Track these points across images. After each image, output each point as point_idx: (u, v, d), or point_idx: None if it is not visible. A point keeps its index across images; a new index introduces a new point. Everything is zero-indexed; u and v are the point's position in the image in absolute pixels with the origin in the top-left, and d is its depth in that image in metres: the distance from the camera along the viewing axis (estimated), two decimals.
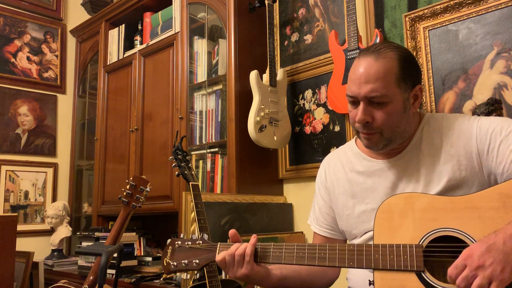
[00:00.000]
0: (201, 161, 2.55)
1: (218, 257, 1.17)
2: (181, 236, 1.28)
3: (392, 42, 1.24)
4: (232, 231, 1.22)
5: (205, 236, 1.25)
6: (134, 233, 2.65)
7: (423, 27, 2.02)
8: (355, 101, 1.19)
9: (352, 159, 1.34)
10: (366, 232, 1.26)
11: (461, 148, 1.15)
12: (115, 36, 3.29)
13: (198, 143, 2.60)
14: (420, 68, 1.25)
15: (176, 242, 1.24)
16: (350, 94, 1.20)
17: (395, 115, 1.16)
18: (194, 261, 1.20)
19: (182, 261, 1.21)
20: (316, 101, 2.42)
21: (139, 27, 3.17)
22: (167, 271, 1.23)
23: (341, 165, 1.36)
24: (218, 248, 1.21)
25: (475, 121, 1.17)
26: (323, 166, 1.44)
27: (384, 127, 1.17)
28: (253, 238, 1.17)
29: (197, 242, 1.23)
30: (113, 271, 2.26)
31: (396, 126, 1.17)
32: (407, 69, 1.17)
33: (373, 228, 1.11)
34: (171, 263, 1.22)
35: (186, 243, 1.23)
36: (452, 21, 1.94)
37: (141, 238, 2.83)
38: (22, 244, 2.88)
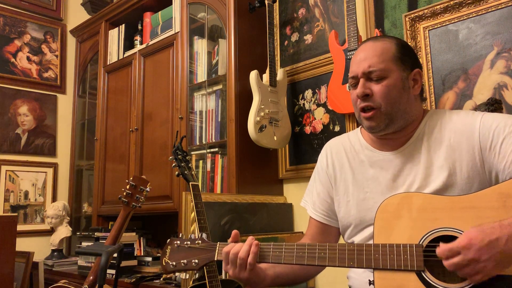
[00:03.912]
0: (201, 161, 2.55)
1: (226, 248, 1.17)
2: (180, 235, 1.27)
3: None
4: (234, 232, 1.22)
5: (204, 235, 1.24)
6: (134, 233, 2.65)
7: (423, 27, 2.02)
8: (356, 83, 1.24)
9: (356, 147, 1.34)
10: (364, 227, 1.25)
11: (464, 144, 1.15)
12: (115, 36, 3.29)
13: (198, 143, 2.60)
14: (418, 59, 1.33)
15: (175, 242, 1.24)
16: (351, 75, 1.25)
17: (394, 90, 1.20)
18: (193, 261, 1.20)
19: (181, 261, 1.21)
20: (316, 101, 2.42)
21: (139, 27, 3.17)
22: (166, 271, 1.23)
23: (344, 152, 1.36)
24: (217, 247, 1.20)
25: (478, 117, 1.17)
26: (325, 152, 1.42)
27: (383, 100, 1.19)
28: (255, 247, 1.15)
29: (196, 242, 1.22)
30: (113, 271, 2.26)
31: (395, 102, 1.20)
32: (404, 52, 1.24)
33: (373, 228, 1.11)
34: (170, 263, 1.21)
35: (185, 242, 1.23)
36: (452, 21, 1.94)
37: (141, 238, 2.83)
38: (22, 244, 2.88)
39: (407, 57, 1.24)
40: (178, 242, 1.24)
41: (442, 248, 0.96)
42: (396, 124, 1.21)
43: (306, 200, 1.46)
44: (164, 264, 1.22)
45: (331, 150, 1.41)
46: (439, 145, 1.19)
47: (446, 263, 0.95)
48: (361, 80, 1.21)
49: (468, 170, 1.13)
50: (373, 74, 1.20)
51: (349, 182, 1.32)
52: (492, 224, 0.94)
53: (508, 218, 0.95)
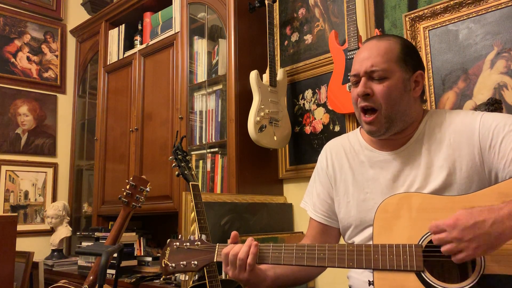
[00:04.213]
0: (201, 161, 2.55)
1: (225, 250, 1.17)
2: (180, 236, 1.27)
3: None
4: (234, 233, 1.21)
5: (203, 237, 1.24)
6: (134, 233, 2.65)
7: (423, 27, 2.02)
8: (358, 81, 1.23)
9: (355, 148, 1.34)
10: (364, 228, 1.25)
11: (463, 143, 1.16)
12: (115, 36, 3.29)
13: (198, 143, 2.60)
14: (422, 60, 1.31)
15: (174, 243, 1.24)
16: (353, 73, 1.24)
17: (395, 91, 1.19)
18: (192, 262, 1.20)
19: (181, 263, 1.21)
20: (316, 101, 2.42)
21: (139, 27, 3.17)
22: (165, 273, 1.22)
23: (344, 153, 1.36)
24: (216, 249, 1.20)
25: (478, 117, 1.17)
26: (324, 153, 1.42)
27: (384, 101, 1.19)
28: (254, 247, 1.15)
29: (196, 243, 1.22)
30: (113, 271, 2.26)
31: (396, 103, 1.19)
32: (408, 53, 1.23)
33: (373, 228, 1.11)
34: (170, 265, 1.21)
35: (185, 244, 1.23)
36: (452, 21, 1.94)
37: (141, 238, 2.83)
38: (22, 244, 2.88)
39: (410, 58, 1.23)
40: (177, 243, 1.24)
41: (432, 223, 0.98)
42: (396, 127, 1.21)
43: (306, 201, 1.46)
44: (163, 265, 1.22)
45: (330, 151, 1.40)
46: (439, 145, 1.19)
47: (432, 237, 0.97)
48: (363, 79, 1.21)
49: (468, 169, 1.14)
50: (375, 74, 1.19)
51: (349, 183, 1.32)
52: (483, 207, 0.95)
53: (499, 203, 0.95)
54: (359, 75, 1.22)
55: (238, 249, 1.15)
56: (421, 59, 1.29)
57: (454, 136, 1.18)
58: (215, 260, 1.19)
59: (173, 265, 1.21)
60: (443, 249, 0.95)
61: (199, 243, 1.22)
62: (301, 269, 1.32)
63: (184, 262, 1.20)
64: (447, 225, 0.94)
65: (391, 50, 1.21)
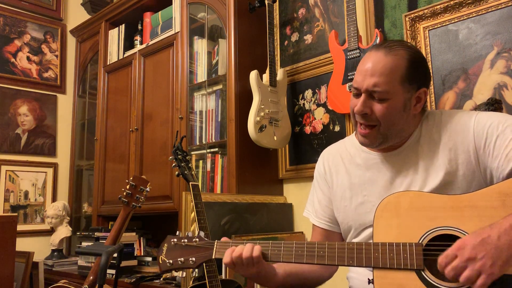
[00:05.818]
0: (201, 161, 2.55)
1: (225, 259, 1.16)
2: (177, 233, 1.26)
3: (407, 42, 1.23)
4: (224, 239, 1.22)
5: (202, 234, 1.23)
6: (134, 233, 2.65)
7: (423, 27, 2.02)
8: (358, 94, 1.20)
9: (351, 151, 1.34)
10: (364, 229, 1.25)
11: (459, 143, 1.16)
12: (115, 36, 3.29)
13: (198, 143, 2.60)
14: (430, 73, 1.24)
15: (172, 240, 1.23)
16: (354, 86, 1.21)
17: (394, 112, 1.16)
18: (190, 259, 1.19)
19: (178, 259, 1.20)
20: (316, 101, 2.42)
21: (139, 27, 3.17)
22: (163, 269, 1.22)
23: (340, 158, 1.36)
24: (215, 246, 1.20)
25: (473, 116, 1.17)
26: (322, 159, 1.43)
27: (382, 121, 1.17)
28: (256, 245, 1.16)
29: (194, 240, 1.21)
30: (113, 271, 2.26)
31: (394, 123, 1.18)
32: (415, 70, 1.17)
33: (372, 227, 1.11)
34: (167, 261, 1.20)
35: (182, 240, 1.22)
36: (452, 21, 1.94)
37: (141, 238, 2.83)
38: (22, 244, 2.87)
39: (416, 76, 1.17)
40: (175, 239, 1.23)
41: (439, 259, 0.95)
42: (391, 142, 1.21)
43: (308, 210, 1.46)
44: (161, 262, 1.21)
45: (328, 157, 1.42)
46: (435, 146, 1.19)
47: (446, 270, 0.94)
48: (363, 96, 1.17)
49: (464, 169, 1.14)
50: (377, 94, 1.15)
51: (346, 187, 1.32)
52: (483, 226, 0.95)
53: (498, 219, 0.95)
54: (360, 90, 1.18)
55: (240, 250, 1.15)
56: (429, 74, 1.23)
57: (450, 136, 1.18)
58: (213, 257, 1.19)
59: (171, 261, 1.20)
60: (462, 279, 0.92)
61: (197, 239, 1.21)
62: (310, 271, 1.32)
63: (182, 259, 1.20)
64: (456, 249, 0.93)
65: (396, 69, 1.15)
